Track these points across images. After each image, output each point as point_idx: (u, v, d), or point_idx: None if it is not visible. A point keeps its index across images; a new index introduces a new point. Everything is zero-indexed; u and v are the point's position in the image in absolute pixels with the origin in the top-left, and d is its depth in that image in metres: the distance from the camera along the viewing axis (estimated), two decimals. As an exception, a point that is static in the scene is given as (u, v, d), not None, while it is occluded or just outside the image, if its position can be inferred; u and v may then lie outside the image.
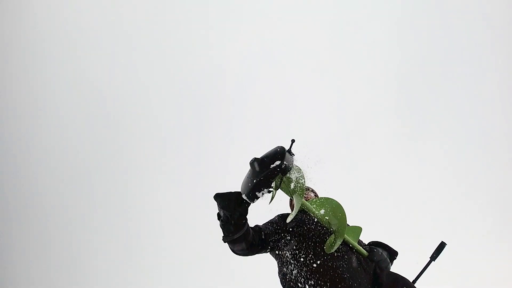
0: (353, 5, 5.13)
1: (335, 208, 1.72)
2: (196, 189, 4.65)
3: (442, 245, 1.94)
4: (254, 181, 1.60)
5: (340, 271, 1.69)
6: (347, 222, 1.75)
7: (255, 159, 1.62)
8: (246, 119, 5.07)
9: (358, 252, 1.81)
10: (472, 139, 4.79)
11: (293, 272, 1.77)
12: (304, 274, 1.73)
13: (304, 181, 1.67)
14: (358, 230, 1.82)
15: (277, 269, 1.91)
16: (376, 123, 5.13)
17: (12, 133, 4.63)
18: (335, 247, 1.69)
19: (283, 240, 1.85)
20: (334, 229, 1.74)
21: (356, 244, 1.80)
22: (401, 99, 5.13)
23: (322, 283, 1.69)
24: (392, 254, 1.90)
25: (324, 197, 1.78)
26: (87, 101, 4.65)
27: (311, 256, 1.74)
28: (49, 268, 4.57)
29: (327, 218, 1.73)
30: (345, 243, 1.80)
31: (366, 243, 1.95)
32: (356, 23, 5.16)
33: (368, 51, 5.13)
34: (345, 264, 1.73)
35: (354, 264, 1.76)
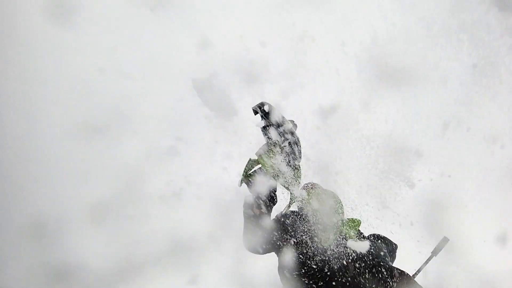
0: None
1: (332, 201, 1.71)
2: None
3: (444, 240, 1.89)
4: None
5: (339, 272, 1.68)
6: (346, 216, 1.73)
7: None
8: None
9: (357, 245, 1.77)
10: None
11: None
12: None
13: (300, 174, 1.66)
14: (357, 222, 1.79)
15: (278, 264, 1.87)
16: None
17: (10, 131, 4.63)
18: (331, 240, 1.67)
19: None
20: (331, 222, 1.72)
21: (354, 237, 1.77)
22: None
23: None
24: (393, 247, 1.87)
25: (322, 190, 1.77)
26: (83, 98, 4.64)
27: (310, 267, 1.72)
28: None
29: (323, 210, 1.71)
30: (343, 236, 1.77)
31: (366, 236, 1.92)
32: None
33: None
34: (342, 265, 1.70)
35: (350, 261, 1.73)
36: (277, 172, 1.64)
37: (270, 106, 1.61)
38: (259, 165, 1.64)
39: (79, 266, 4.73)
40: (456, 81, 5.21)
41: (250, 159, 1.69)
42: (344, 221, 1.76)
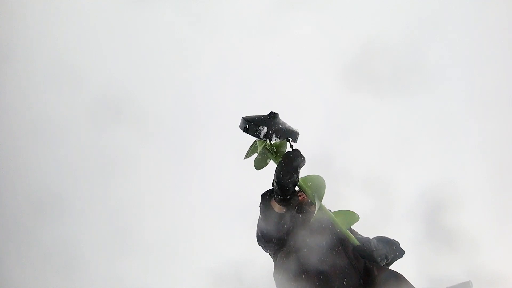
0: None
1: (318, 183, 1.73)
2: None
3: (467, 285, 1.79)
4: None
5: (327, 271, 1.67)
6: (340, 209, 1.75)
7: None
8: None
9: (347, 239, 1.74)
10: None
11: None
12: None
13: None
14: (352, 216, 1.74)
15: (274, 268, 1.86)
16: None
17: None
18: (316, 217, 1.69)
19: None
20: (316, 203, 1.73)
21: (344, 229, 1.74)
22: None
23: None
24: (396, 252, 1.80)
25: (311, 175, 1.79)
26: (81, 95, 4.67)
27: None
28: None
29: (312, 192, 1.74)
30: (337, 232, 1.76)
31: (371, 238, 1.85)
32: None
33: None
34: (333, 262, 1.69)
35: (343, 260, 1.70)
36: (272, 153, 1.81)
37: (249, 118, 1.78)
38: (261, 146, 1.82)
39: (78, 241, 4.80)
40: (453, 82, 5.22)
41: (255, 141, 1.83)
42: (339, 212, 1.73)
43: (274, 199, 1.69)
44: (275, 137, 1.72)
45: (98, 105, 4.73)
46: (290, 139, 1.75)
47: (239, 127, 1.79)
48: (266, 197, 1.75)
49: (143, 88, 4.96)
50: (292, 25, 5.02)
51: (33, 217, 4.70)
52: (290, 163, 1.65)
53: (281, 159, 1.71)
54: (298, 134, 1.78)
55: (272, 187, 1.74)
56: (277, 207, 1.70)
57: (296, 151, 1.68)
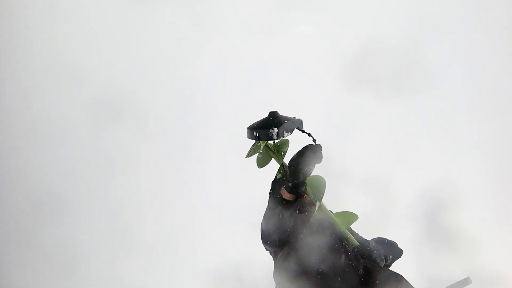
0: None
1: (318, 183, 1.74)
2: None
3: (466, 281, 1.80)
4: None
5: (328, 272, 1.67)
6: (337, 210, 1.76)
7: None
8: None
9: (347, 239, 1.76)
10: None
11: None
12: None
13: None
14: (351, 216, 1.75)
15: (274, 268, 1.87)
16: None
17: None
18: (316, 216, 1.71)
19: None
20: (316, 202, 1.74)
21: (343, 229, 1.75)
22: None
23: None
24: (395, 253, 1.82)
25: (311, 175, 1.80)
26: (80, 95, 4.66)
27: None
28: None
29: (312, 191, 1.76)
30: (337, 232, 1.76)
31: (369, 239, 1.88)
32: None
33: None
34: (334, 262, 1.69)
35: (343, 261, 1.71)
36: (274, 152, 1.85)
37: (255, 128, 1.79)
38: (263, 145, 1.83)
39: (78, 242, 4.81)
40: (454, 82, 5.23)
41: (256, 142, 1.85)
42: (338, 213, 1.75)
43: (284, 186, 1.70)
44: (286, 132, 1.75)
45: (98, 105, 4.74)
46: (299, 128, 1.77)
47: (248, 138, 1.80)
48: (276, 184, 1.77)
49: (143, 88, 4.97)
50: (292, 25, 5.02)
51: (33, 217, 4.71)
52: (309, 154, 1.66)
53: (301, 148, 1.69)
54: (301, 120, 1.80)
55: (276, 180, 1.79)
56: (285, 194, 1.70)
57: (318, 146, 1.69)
